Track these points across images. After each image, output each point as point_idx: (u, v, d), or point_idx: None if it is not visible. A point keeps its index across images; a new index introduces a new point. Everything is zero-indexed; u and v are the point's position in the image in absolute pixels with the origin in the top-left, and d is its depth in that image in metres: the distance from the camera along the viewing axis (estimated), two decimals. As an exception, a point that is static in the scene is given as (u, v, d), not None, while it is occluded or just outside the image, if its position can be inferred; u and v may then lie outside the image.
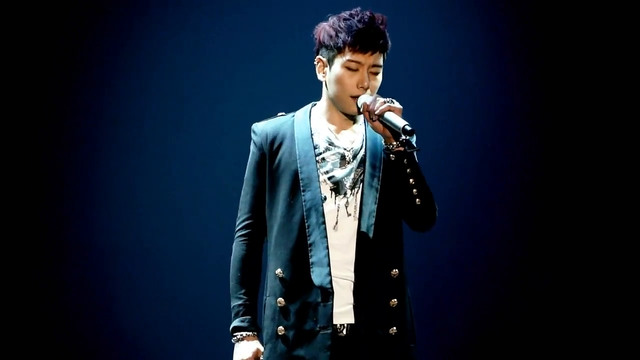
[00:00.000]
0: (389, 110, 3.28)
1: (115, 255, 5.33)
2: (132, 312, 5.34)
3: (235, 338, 3.46)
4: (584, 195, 5.43)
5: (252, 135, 3.52)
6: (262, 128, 3.50)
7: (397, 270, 3.39)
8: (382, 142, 3.36)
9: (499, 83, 5.45)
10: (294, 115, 3.52)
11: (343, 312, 3.35)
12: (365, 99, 3.34)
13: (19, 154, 5.29)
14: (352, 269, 3.36)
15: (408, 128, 3.23)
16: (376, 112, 3.29)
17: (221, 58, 5.37)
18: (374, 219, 3.36)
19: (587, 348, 5.38)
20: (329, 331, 3.31)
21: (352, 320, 3.35)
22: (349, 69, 3.36)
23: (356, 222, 3.37)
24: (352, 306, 3.34)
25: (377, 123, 3.31)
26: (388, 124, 3.28)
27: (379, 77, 3.41)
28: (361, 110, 3.35)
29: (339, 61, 3.37)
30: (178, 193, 5.36)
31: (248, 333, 3.44)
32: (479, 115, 5.43)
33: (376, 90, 3.41)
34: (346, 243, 3.37)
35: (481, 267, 5.41)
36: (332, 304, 3.32)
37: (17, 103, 5.29)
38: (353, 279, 3.35)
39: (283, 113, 3.55)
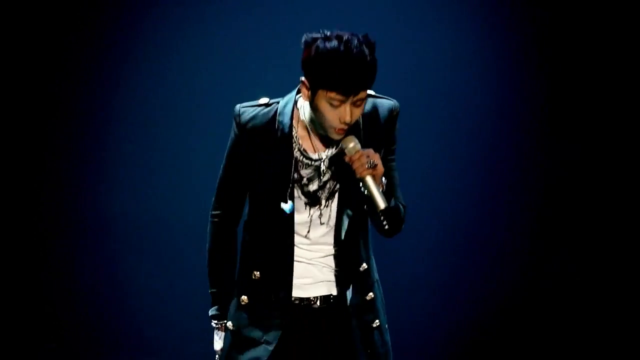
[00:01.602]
0: (372, 175, 3.24)
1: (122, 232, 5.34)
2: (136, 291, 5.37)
3: (213, 325, 3.55)
4: (585, 195, 5.40)
5: (234, 121, 3.44)
6: (244, 120, 3.41)
7: (365, 264, 3.46)
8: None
9: (501, 82, 5.37)
10: (277, 110, 3.42)
11: (316, 286, 3.43)
12: (349, 147, 3.27)
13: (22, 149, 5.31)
14: (330, 260, 3.43)
15: (383, 212, 3.25)
16: (357, 176, 3.25)
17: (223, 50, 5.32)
18: (348, 225, 3.39)
19: (587, 348, 5.44)
20: (270, 347, 3.38)
21: (325, 293, 3.43)
22: (331, 104, 3.24)
23: (328, 227, 3.41)
24: (323, 282, 3.43)
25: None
26: (368, 192, 3.25)
27: (363, 106, 3.29)
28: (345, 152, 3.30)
29: (322, 94, 3.23)
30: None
31: (222, 322, 3.53)
32: (480, 113, 5.37)
33: (357, 118, 3.31)
34: (319, 245, 3.43)
35: (481, 267, 5.43)
36: (284, 323, 3.40)
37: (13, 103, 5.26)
38: (333, 266, 3.44)
39: (266, 99, 3.46)
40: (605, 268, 5.45)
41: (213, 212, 3.50)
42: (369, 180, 3.23)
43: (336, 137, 3.31)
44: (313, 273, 3.41)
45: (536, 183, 5.46)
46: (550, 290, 5.46)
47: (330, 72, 3.16)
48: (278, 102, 3.44)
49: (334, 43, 3.18)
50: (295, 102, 3.42)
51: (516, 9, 5.37)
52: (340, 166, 3.37)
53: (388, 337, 3.52)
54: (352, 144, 3.27)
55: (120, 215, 5.34)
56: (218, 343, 3.49)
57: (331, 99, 3.21)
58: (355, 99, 3.22)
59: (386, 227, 3.35)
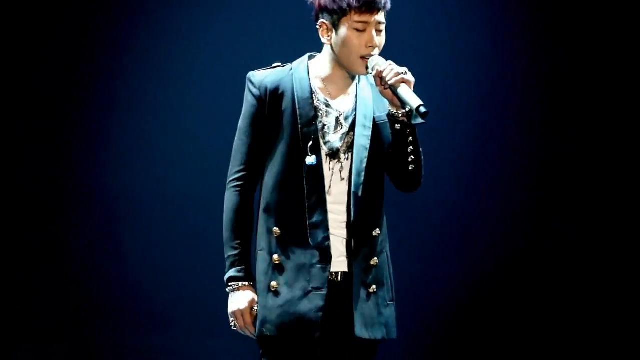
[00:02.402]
0: (403, 83, 3.32)
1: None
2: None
3: (231, 288, 3.49)
4: (588, 195, 5.50)
5: (249, 85, 3.50)
6: (260, 80, 3.49)
7: (378, 229, 3.49)
8: (387, 106, 3.41)
9: (505, 79, 5.52)
10: (292, 69, 3.51)
11: (340, 262, 3.44)
12: (378, 63, 3.37)
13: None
14: (344, 227, 3.44)
15: (423, 110, 3.27)
16: (390, 82, 3.33)
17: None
18: (363, 179, 3.43)
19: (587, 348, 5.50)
20: (322, 292, 3.39)
21: (345, 269, 3.44)
22: (356, 30, 3.38)
23: (348, 185, 3.45)
24: (345, 258, 3.44)
25: (387, 91, 3.36)
26: (401, 97, 3.31)
27: (384, 34, 3.44)
28: (373, 74, 3.38)
29: (345, 24, 3.38)
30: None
31: (244, 283, 3.48)
32: (483, 111, 5.51)
33: (382, 47, 3.44)
34: (339, 204, 3.44)
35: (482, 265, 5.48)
36: (329, 268, 3.41)
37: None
38: (345, 237, 3.44)
39: (279, 64, 3.55)
40: (608, 268, 5.48)
41: (233, 179, 3.50)
42: (403, 86, 3.30)
43: (362, 69, 3.40)
44: (336, 247, 3.43)
45: (536, 179, 5.54)
46: (550, 288, 5.50)
47: None
48: (290, 64, 3.54)
49: None
50: (308, 63, 3.52)
51: (520, 7, 5.53)
52: (356, 120, 3.45)
53: (389, 312, 3.50)
54: (380, 60, 3.37)
55: (126, 196, 5.34)
56: (236, 304, 3.44)
57: (356, 22, 3.35)
58: (377, 21, 3.37)
59: (411, 167, 3.39)
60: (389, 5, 3.44)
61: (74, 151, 5.33)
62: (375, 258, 3.46)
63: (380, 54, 3.43)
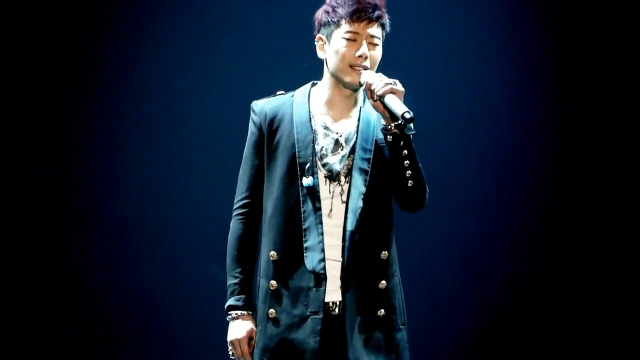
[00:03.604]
0: (391, 93, 3.29)
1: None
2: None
3: (230, 317, 3.49)
4: (596, 199, 5.39)
5: (252, 113, 3.54)
6: (261, 107, 3.53)
7: (386, 252, 3.43)
8: (381, 121, 3.38)
9: (515, 81, 5.42)
10: (293, 95, 3.54)
11: (335, 290, 3.39)
12: (369, 76, 3.36)
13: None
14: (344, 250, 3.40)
15: (407, 115, 3.24)
16: (378, 93, 3.30)
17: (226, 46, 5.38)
18: (362, 202, 3.39)
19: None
20: (319, 316, 3.36)
21: (340, 298, 3.39)
22: (347, 39, 3.40)
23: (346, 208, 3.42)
24: (339, 287, 3.39)
25: (377, 103, 3.33)
26: (387, 106, 3.29)
27: (379, 49, 3.44)
28: (364, 87, 3.37)
29: (337, 34, 3.41)
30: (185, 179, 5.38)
31: (242, 312, 3.48)
32: (492, 113, 5.41)
33: (377, 63, 3.44)
34: (340, 228, 3.40)
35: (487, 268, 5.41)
36: (324, 290, 3.37)
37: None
38: (342, 260, 3.39)
39: (282, 92, 3.58)
40: (615, 273, 5.36)
41: (237, 207, 3.52)
42: (391, 96, 3.29)
43: (353, 78, 3.39)
44: (331, 273, 3.39)
45: (547, 182, 5.44)
46: (555, 292, 5.42)
47: (342, 2, 3.39)
48: (293, 91, 3.57)
49: None
50: (310, 89, 3.54)
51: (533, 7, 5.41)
52: (357, 143, 3.43)
53: (400, 336, 3.44)
54: (371, 73, 3.37)
55: (134, 216, 5.35)
56: (234, 333, 3.44)
57: (347, 32, 3.38)
58: (369, 34, 3.39)
59: (410, 183, 3.35)
60: (385, 21, 3.44)
61: (74, 151, 5.35)
62: (384, 281, 3.42)
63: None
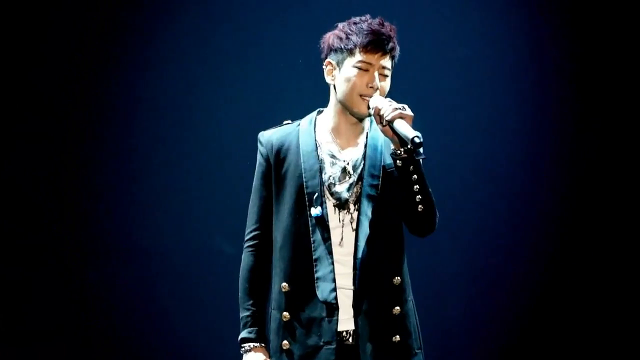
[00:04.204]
0: (400, 118, 3.29)
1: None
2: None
3: (244, 349, 3.49)
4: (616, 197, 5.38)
5: (259, 145, 3.55)
6: (267, 138, 3.53)
7: (399, 277, 3.43)
8: (390, 146, 3.37)
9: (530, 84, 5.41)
10: (299, 125, 3.54)
11: (347, 319, 3.39)
12: (377, 101, 3.36)
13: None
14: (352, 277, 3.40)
15: (417, 140, 3.24)
16: (387, 118, 3.30)
17: (232, 59, 5.37)
18: (372, 229, 3.40)
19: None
20: (332, 346, 3.35)
21: (353, 327, 3.39)
22: (359, 69, 3.39)
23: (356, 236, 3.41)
24: (351, 316, 3.39)
25: (386, 128, 3.33)
26: (397, 131, 3.29)
27: (388, 80, 3.44)
28: (372, 112, 3.36)
29: (349, 62, 3.41)
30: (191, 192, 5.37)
31: (255, 344, 3.48)
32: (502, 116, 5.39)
33: (386, 94, 3.44)
34: (350, 257, 3.40)
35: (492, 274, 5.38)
36: (337, 320, 3.37)
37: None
38: (354, 288, 3.39)
39: (289, 121, 3.58)
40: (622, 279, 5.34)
41: (247, 239, 3.53)
42: (400, 120, 3.29)
43: (362, 108, 3.40)
44: (344, 302, 3.38)
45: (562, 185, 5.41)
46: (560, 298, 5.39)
47: (357, 31, 3.38)
48: (299, 120, 3.57)
49: (355, 19, 3.44)
50: (316, 117, 3.54)
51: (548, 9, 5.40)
52: (364, 170, 3.43)
53: None
54: (379, 98, 3.36)
55: (135, 216, 5.36)
56: None
57: (360, 62, 3.38)
58: (382, 65, 3.39)
59: (420, 208, 3.34)
60: (396, 53, 3.45)
61: (74, 152, 5.35)
62: (398, 307, 3.41)
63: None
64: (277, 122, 3.60)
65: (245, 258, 3.53)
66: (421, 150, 3.31)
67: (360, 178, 3.43)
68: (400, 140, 3.31)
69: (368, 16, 3.46)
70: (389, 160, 3.43)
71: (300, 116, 3.58)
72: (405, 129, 3.27)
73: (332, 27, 3.50)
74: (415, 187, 3.35)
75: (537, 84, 5.38)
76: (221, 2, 5.37)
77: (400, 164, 3.34)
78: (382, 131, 3.35)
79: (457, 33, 5.35)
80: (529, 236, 5.37)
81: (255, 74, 5.31)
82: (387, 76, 3.43)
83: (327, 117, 3.51)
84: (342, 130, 3.49)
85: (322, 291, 3.37)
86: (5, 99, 5.29)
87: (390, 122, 3.30)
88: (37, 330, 5.28)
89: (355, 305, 3.37)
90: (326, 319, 3.36)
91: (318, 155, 3.45)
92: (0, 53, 5.29)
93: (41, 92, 5.30)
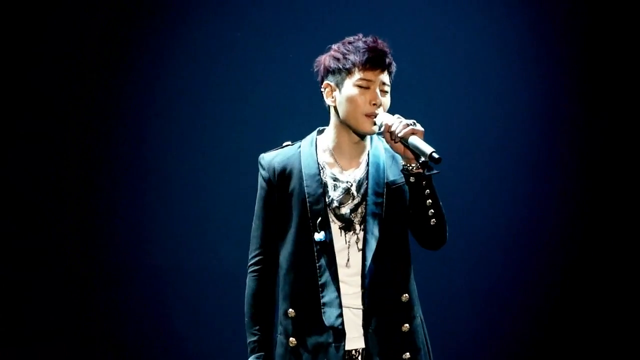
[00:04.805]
0: (412, 134, 3.27)
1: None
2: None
3: None
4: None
5: (260, 168, 3.52)
6: (268, 161, 3.50)
7: (407, 295, 3.42)
8: (400, 162, 3.36)
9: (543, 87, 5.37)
10: (300, 146, 3.52)
11: (357, 337, 3.39)
12: (386, 118, 3.34)
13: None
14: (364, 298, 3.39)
15: (436, 156, 3.22)
16: (399, 135, 3.28)
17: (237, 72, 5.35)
18: (379, 248, 3.38)
19: None
20: None
21: (362, 345, 3.38)
22: (360, 87, 3.38)
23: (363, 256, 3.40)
24: (361, 335, 3.38)
25: (398, 145, 3.31)
26: (412, 148, 3.28)
27: (388, 96, 3.43)
28: (382, 130, 3.35)
29: (349, 82, 3.40)
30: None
31: None
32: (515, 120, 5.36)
33: (387, 109, 3.42)
34: (358, 276, 3.40)
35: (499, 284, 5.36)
36: (344, 345, 3.35)
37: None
38: (363, 307, 3.38)
39: (289, 142, 3.56)
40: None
41: (250, 264, 3.51)
42: (415, 137, 3.26)
43: (368, 127, 3.38)
44: (353, 321, 3.38)
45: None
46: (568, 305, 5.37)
47: (354, 50, 3.38)
48: (299, 142, 3.55)
49: (349, 39, 3.44)
50: (317, 137, 3.53)
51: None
52: (368, 189, 3.41)
53: None
54: (387, 115, 3.35)
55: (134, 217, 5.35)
56: None
57: (360, 80, 3.37)
58: (381, 81, 3.38)
59: (432, 222, 3.33)
60: (393, 68, 3.44)
61: (73, 152, 5.34)
62: (407, 324, 3.40)
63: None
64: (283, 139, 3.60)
65: (250, 283, 3.51)
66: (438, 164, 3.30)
67: (365, 197, 3.41)
68: (414, 155, 3.30)
69: (361, 35, 3.45)
70: (391, 176, 3.43)
71: (300, 134, 3.57)
72: (422, 145, 3.25)
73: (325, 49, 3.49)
74: (428, 201, 3.33)
75: (547, 84, 5.36)
76: (225, 19, 5.35)
77: (413, 180, 3.32)
78: (393, 148, 3.33)
79: (463, 32, 5.32)
80: (541, 250, 5.34)
81: (256, 94, 5.31)
82: (387, 92, 3.42)
83: (328, 137, 3.50)
84: (344, 150, 3.47)
85: (329, 317, 3.36)
86: (5, 99, 5.28)
87: (403, 139, 3.28)
88: (37, 330, 5.28)
89: (365, 324, 3.36)
90: (333, 344, 3.35)
91: (321, 179, 3.43)
92: (0, 53, 5.28)
93: (44, 96, 5.29)
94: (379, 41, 3.42)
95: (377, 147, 3.46)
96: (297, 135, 3.58)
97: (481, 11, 5.32)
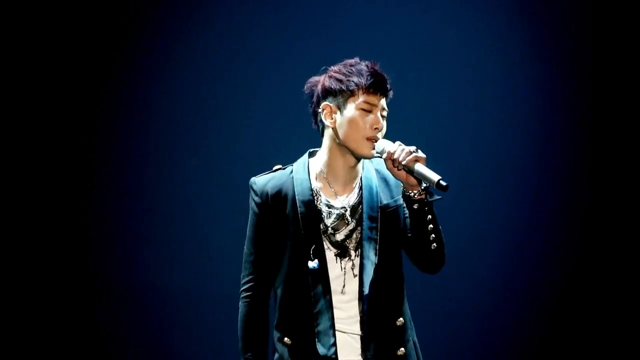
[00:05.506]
0: (416, 161, 3.27)
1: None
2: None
3: None
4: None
5: (251, 192, 3.49)
6: (261, 187, 3.47)
7: (401, 319, 3.43)
8: (400, 189, 3.37)
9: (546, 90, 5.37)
10: (292, 171, 3.48)
11: None
12: (386, 145, 3.34)
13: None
14: (359, 323, 3.40)
15: (443, 183, 3.22)
16: (403, 163, 3.28)
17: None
18: (375, 273, 3.38)
19: None
20: None
21: None
22: (363, 110, 3.37)
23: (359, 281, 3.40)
24: (360, 357, 3.39)
25: (401, 172, 3.30)
26: (418, 176, 3.28)
27: (385, 122, 3.42)
28: (384, 157, 3.33)
29: (351, 104, 3.38)
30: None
31: None
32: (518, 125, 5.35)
33: (384, 133, 3.42)
34: (353, 302, 3.39)
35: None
36: None
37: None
38: (360, 333, 3.39)
39: (280, 166, 3.52)
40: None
41: (243, 289, 3.49)
42: (419, 165, 3.27)
43: (368, 150, 3.37)
44: (350, 344, 3.39)
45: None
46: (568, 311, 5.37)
47: (357, 72, 3.37)
48: (291, 165, 3.51)
49: (349, 61, 3.43)
50: (309, 161, 3.50)
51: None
52: (363, 214, 3.40)
53: None
54: (388, 142, 3.35)
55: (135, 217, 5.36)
56: None
57: (363, 103, 3.36)
58: (382, 105, 3.39)
59: (433, 246, 3.33)
60: (391, 94, 3.44)
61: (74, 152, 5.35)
62: (402, 348, 3.41)
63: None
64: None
65: (242, 308, 3.49)
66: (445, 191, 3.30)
67: (360, 223, 3.41)
68: (417, 180, 3.30)
69: (357, 58, 3.43)
70: (384, 200, 3.42)
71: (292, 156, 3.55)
72: (429, 173, 3.25)
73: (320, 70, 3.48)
74: (429, 226, 3.34)
75: (550, 87, 5.36)
76: (221, 35, 5.36)
77: (417, 207, 3.32)
78: (395, 175, 3.32)
79: (464, 34, 5.32)
80: (541, 251, 5.37)
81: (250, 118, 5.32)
82: (384, 117, 3.41)
83: (320, 161, 3.47)
84: (338, 174, 3.45)
85: (322, 345, 3.36)
86: (5, 98, 5.27)
87: (406, 166, 3.27)
88: (37, 330, 5.30)
89: (363, 350, 3.37)
90: None
91: (316, 206, 3.41)
92: (0, 53, 5.26)
93: (44, 97, 5.29)
94: (378, 66, 3.41)
95: (369, 169, 3.45)
96: (288, 158, 3.56)
97: (481, 12, 5.31)
